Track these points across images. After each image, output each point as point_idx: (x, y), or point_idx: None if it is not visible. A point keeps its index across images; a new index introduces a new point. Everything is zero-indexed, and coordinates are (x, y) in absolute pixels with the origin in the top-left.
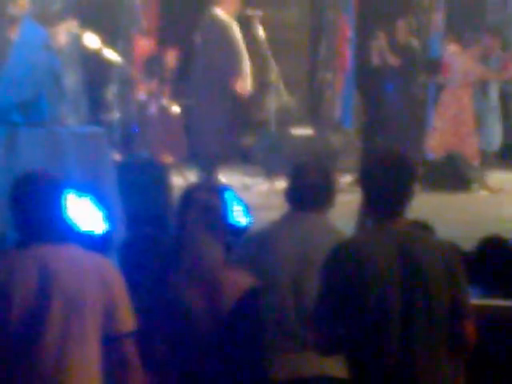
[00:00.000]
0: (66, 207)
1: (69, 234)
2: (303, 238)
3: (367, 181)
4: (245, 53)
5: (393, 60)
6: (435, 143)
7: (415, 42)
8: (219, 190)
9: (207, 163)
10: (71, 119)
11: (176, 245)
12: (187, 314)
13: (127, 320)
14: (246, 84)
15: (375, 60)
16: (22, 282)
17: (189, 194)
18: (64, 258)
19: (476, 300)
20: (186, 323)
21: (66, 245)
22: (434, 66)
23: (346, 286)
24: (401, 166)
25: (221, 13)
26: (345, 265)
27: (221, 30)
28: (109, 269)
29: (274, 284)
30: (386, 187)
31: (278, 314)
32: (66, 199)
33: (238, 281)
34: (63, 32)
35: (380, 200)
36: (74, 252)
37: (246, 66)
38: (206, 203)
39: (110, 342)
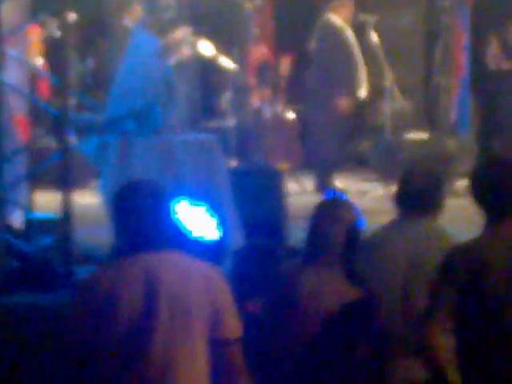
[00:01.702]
0: (174, 215)
1: (177, 241)
2: (411, 243)
3: (477, 183)
4: (360, 58)
5: (506, 64)
6: None
7: None
8: (357, 208)
9: (324, 169)
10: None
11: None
12: (301, 312)
13: (233, 327)
14: (361, 91)
15: (490, 65)
16: (128, 291)
17: (331, 210)
18: (168, 266)
19: None
20: (299, 323)
21: (171, 252)
22: None
23: (461, 294)
24: (508, 170)
25: (335, 18)
26: (459, 271)
27: (335, 35)
28: (215, 276)
29: (384, 288)
30: (496, 189)
31: (386, 319)
32: (174, 207)
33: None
34: (186, 44)
35: (491, 202)
36: (179, 259)
37: (362, 71)
38: (349, 223)
39: (217, 348)
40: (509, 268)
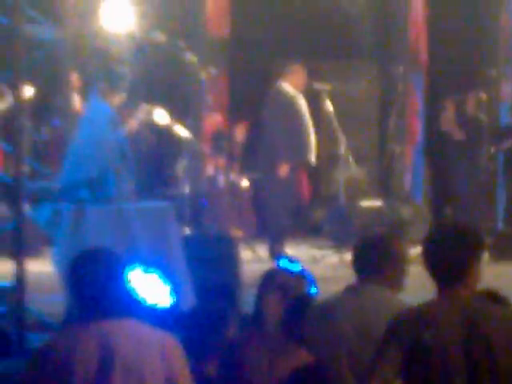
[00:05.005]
0: (128, 282)
1: (131, 308)
2: (362, 310)
3: (426, 251)
4: (310, 126)
5: (458, 134)
6: None
7: (483, 116)
8: (300, 273)
9: (275, 237)
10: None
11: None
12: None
13: None
14: (311, 157)
15: (445, 132)
16: (83, 358)
17: (270, 276)
18: (124, 334)
19: None
20: None
21: (127, 320)
22: (503, 134)
23: (407, 354)
24: (459, 236)
25: (287, 87)
26: (405, 331)
27: (285, 102)
28: (170, 344)
29: (333, 357)
30: (442, 257)
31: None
32: (128, 275)
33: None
34: (136, 117)
35: (438, 269)
36: (134, 327)
37: (311, 139)
38: (286, 285)
39: None
40: (452, 329)
